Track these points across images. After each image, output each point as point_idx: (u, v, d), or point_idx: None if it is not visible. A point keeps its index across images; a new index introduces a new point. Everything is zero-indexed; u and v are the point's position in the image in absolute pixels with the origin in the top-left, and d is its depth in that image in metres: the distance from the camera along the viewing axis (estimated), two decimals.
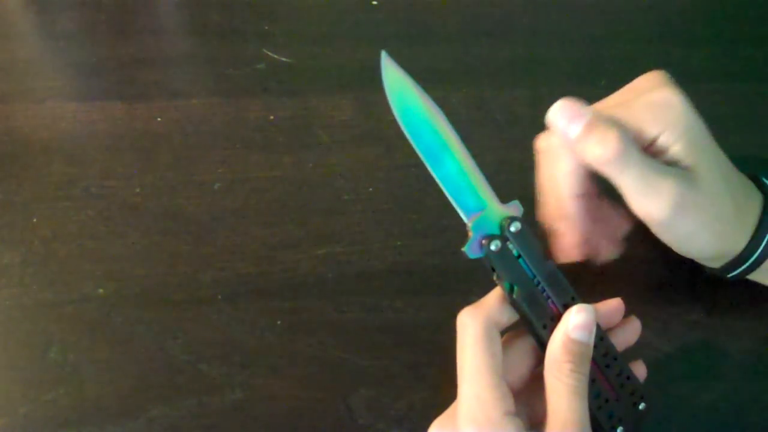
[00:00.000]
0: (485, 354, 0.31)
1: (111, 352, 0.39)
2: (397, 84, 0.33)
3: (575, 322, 0.31)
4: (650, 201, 0.34)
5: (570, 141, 0.34)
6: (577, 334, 0.31)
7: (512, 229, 0.33)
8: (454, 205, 0.33)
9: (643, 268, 0.42)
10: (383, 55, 0.32)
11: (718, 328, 0.40)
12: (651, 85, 0.36)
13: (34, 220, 0.45)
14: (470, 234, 0.33)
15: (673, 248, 0.38)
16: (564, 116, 0.34)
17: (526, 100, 0.53)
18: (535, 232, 0.33)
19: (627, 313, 0.38)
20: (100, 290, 0.42)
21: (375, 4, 0.62)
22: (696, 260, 0.39)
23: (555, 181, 0.37)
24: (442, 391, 0.37)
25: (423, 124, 0.33)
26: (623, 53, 0.58)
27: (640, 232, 0.40)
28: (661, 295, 0.41)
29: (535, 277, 0.33)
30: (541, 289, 0.33)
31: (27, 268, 0.43)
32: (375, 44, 0.59)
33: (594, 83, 0.55)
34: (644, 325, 0.40)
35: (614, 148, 0.33)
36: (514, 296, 0.32)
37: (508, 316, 0.33)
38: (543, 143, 0.38)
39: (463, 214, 0.33)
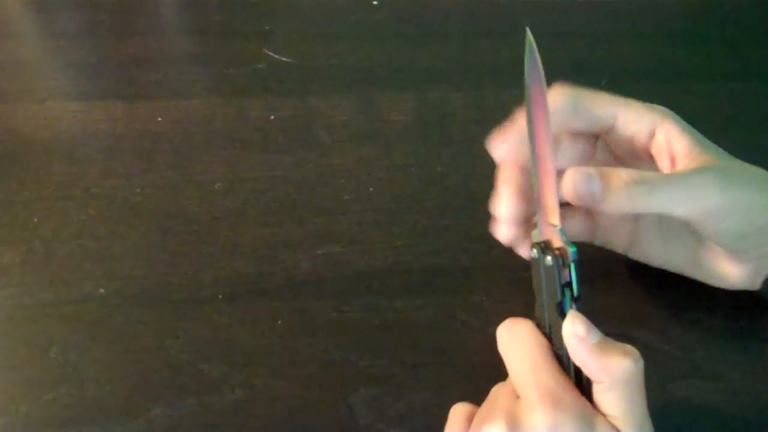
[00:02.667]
0: (545, 346, 0.31)
1: (111, 352, 0.39)
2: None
3: (583, 330, 0.30)
4: (697, 194, 0.33)
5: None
6: (595, 337, 0.30)
7: (548, 260, 0.31)
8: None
9: (643, 269, 0.42)
10: (528, 32, 0.31)
11: (718, 328, 0.40)
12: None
13: (34, 220, 0.45)
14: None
15: (718, 276, 0.38)
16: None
17: None
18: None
19: (626, 315, 0.39)
20: (100, 290, 0.42)
21: (375, 4, 0.62)
22: (739, 280, 0.38)
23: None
24: (442, 391, 0.37)
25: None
26: (623, 53, 0.58)
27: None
28: (661, 295, 0.41)
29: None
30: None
31: (27, 268, 0.43)
32: (375, 44, 0.59)
33: (594, 83, 0.55)
34: (644, 326, 0.40)
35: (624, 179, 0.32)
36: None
37: None
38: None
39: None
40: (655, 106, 0.37)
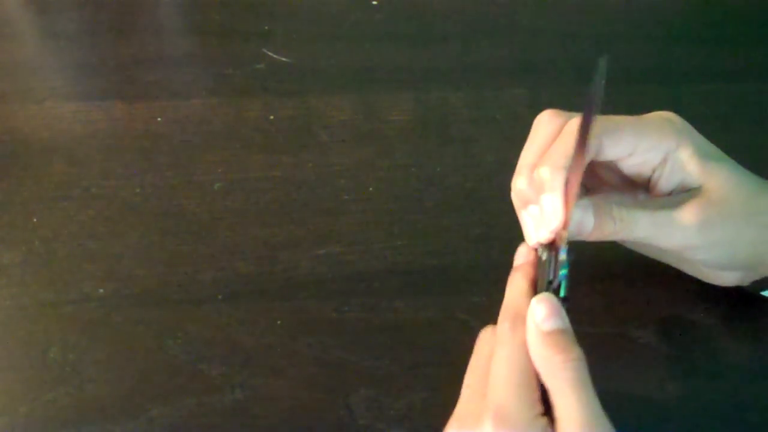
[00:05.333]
0: (522, 363, 0.31)
1: (111, 352, 0.39)
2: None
3: (542, 315, 0.31)
4: (677, 233, 0.34)
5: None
6: (549, 325, 0.30)
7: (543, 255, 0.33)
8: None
9: (642, 269, 0.42)
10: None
11: (718, 328, 0.40)
12: (658, 113, 0.37)
13: (34, 220, 0.45)
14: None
15: (708, 278, 0.39)
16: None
17: (526, 100, 0.53)
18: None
19: (626, 315, 0.38)
20: (100, 290, 0.42)
21: (375, 4, 0.62)
22: (729, 283, 0.39)
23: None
24: (442, 391, 0.37)
25: None
26: (623, 53, 0.58)
27: None
28: (661, 295, 0.41)
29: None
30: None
31: (27, 268, 0.43)
32: (375, 44, 0.59)
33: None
34: (644, 326, 0.40)
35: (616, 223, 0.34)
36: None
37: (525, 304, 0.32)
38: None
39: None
40: (671, 125, 0.36)
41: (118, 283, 0.42)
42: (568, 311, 0.31)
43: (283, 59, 0.57)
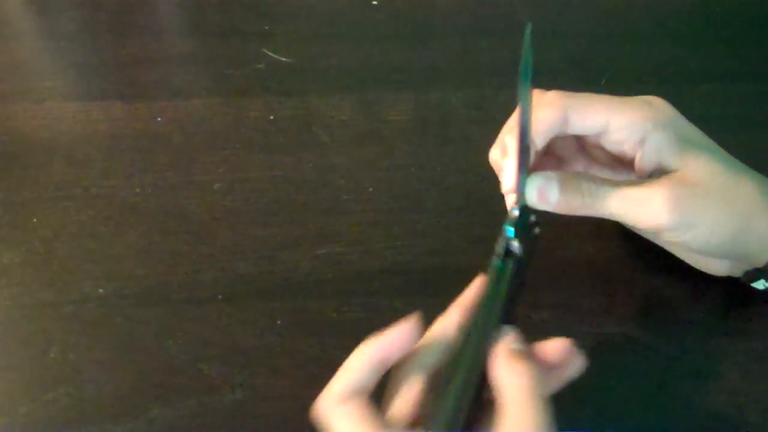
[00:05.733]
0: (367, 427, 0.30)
1: (111, 352, 0.39)
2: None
3: (508, 338, 0.32)
4: (647, 211, 0.34)
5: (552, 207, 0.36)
6: (515, 346, 0.31)
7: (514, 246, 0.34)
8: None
9: (643, 269, 0.43)
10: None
11: (718, 328, 0.40)
12: (643, 96, 0.38)
13: (34, 220, 0.45)
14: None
15: (698, 265, 0.39)
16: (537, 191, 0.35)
17: None
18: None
19: (626, 315, 0.38)
20: (100, 290, 0.42)
21: (375, 4, 0.62)
22: (720, 272, 0.39)
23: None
24: None
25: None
26: (623, 53, 0.58)
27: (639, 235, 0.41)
28: (661, 295, 0.41)
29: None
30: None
31: (27, 268, 0.43)
32: (375, 44, 0.59)
33: (594, 83, 0.55)
34: (644, 326, 0.40)
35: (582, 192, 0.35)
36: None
37: (368, 378, 0.32)
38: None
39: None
40: (651, 108, 0.37)
41: (118, 283, 0.42)
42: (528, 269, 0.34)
43: (283, 59, 0.57)
